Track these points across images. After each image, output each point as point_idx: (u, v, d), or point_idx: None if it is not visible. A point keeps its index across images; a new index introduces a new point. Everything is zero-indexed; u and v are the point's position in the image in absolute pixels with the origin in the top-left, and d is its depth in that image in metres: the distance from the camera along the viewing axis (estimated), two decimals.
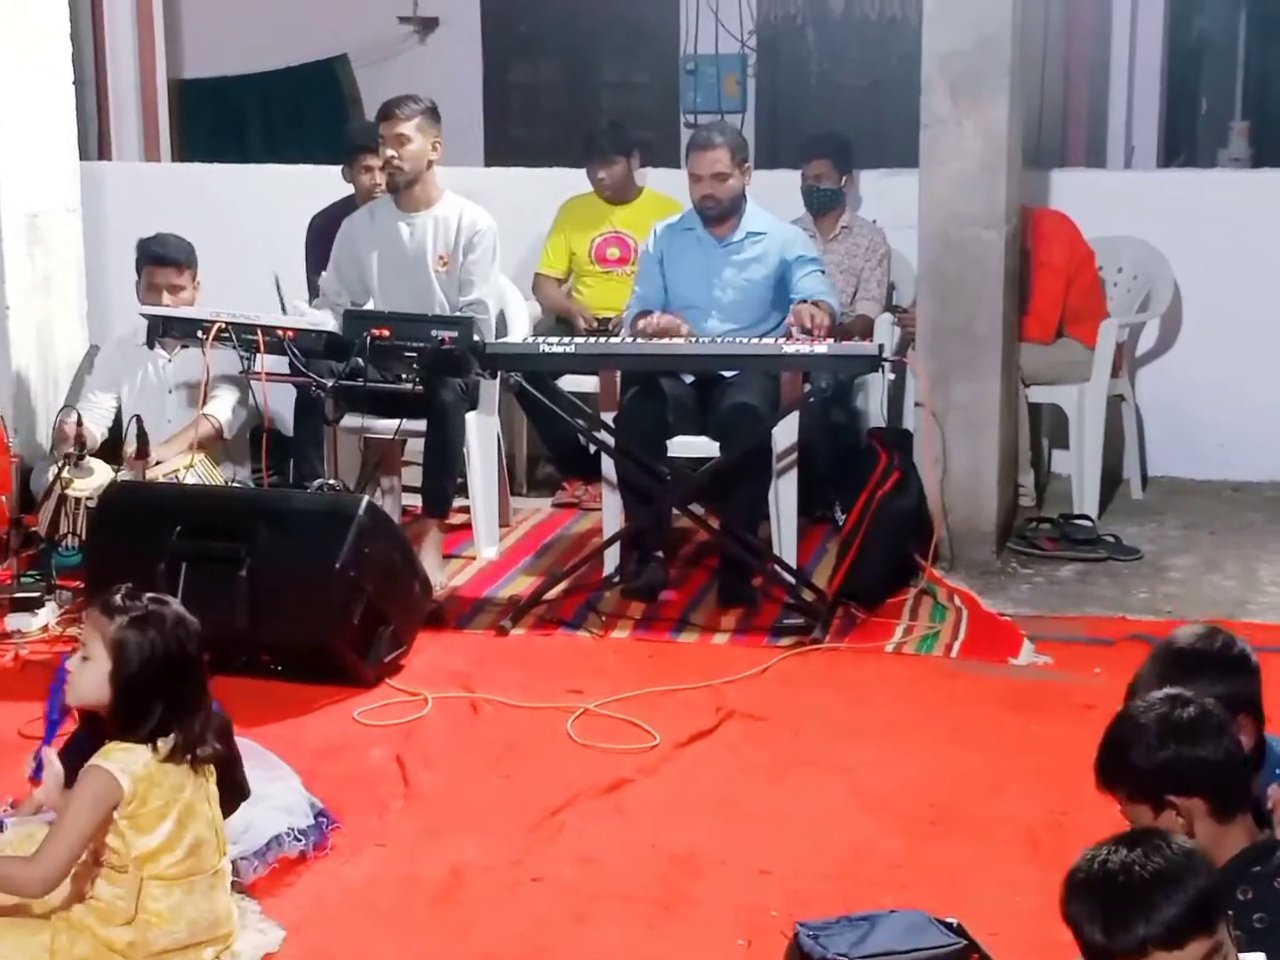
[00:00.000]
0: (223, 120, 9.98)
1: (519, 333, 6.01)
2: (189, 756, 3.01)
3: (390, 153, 5.61)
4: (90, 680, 3.01)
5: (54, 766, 3.12)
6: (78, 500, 5.25)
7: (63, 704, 3.13)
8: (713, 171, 5.48)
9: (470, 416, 5.63)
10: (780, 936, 3.17)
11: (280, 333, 5.25)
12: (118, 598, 3.04)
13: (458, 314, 5.53)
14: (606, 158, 6.71)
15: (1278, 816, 2.69)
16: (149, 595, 3.06)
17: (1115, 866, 2.22)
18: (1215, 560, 5.73)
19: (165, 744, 3.00)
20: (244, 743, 3.62)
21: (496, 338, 5.70)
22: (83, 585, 4.92)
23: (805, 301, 5.35)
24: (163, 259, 5.70)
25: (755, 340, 5.41)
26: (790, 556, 5.42)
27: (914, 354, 5.76)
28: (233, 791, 3.28)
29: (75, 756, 3.11)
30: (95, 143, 8.17)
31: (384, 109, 5.70)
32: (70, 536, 5.25)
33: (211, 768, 3.09)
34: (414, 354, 5.20)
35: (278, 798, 3.57)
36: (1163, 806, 2.53)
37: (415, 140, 5.58)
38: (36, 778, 3.30)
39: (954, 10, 5.44)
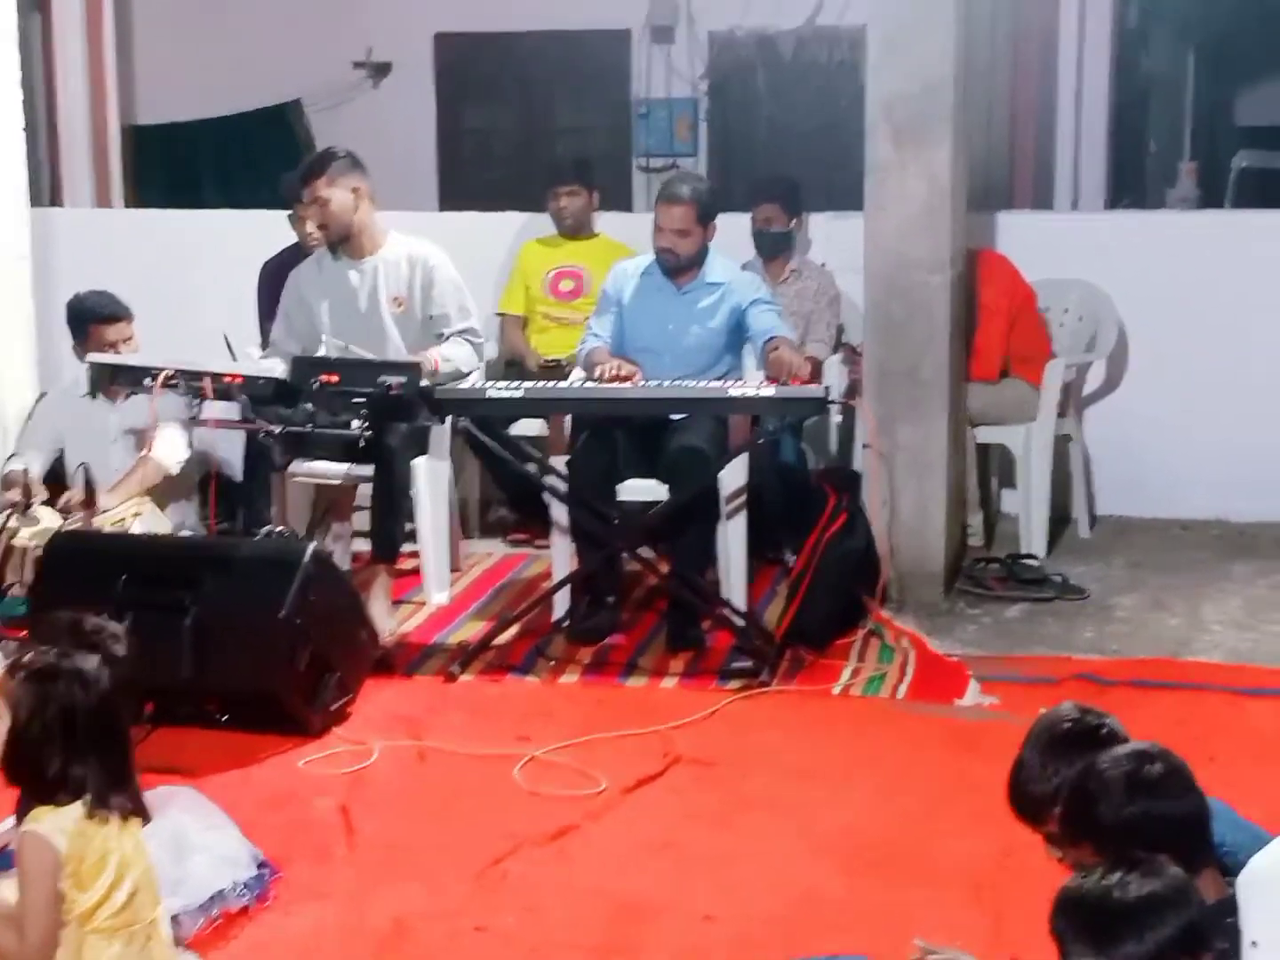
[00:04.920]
0: (176, 166, 10.01)
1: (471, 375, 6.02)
2: (104, 809, 2.99)
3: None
4: None
5: None
6: (24, 550, 5.23)
7: None
8: (674, 227, 5.50)
9: (420, 461, 5.64)
10: None
11: (229, 379, 5.24)
12: (26, 655, 3.03)
13: (405, 359, 5.53)
14: (570, 185, 6.74)
15: None
16: (56, 651, 3.02)
17: (1111, 884, 2.24)
18: (1161, 599, 5.76)
19: (85, 801, 2.98)
20: (180, 790, 3.61)
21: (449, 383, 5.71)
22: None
23: (778, 347, 5.34)
24: (112, 316, 5.69)
25: (704, 383, 5.43)
26: (740, 599, 5.43)
27: (861, 396, 5.79)
28: None
29: None
30: (47, 188, 8.18)
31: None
32: (17, 586, 5.23)
33: (137, 819, 3.07)
34: (362, 399, 5.20)
35: (217, 848, 3.54)
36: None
37: (333, 198, 5.63)
38: None
39: (897, 55, 5.50)
